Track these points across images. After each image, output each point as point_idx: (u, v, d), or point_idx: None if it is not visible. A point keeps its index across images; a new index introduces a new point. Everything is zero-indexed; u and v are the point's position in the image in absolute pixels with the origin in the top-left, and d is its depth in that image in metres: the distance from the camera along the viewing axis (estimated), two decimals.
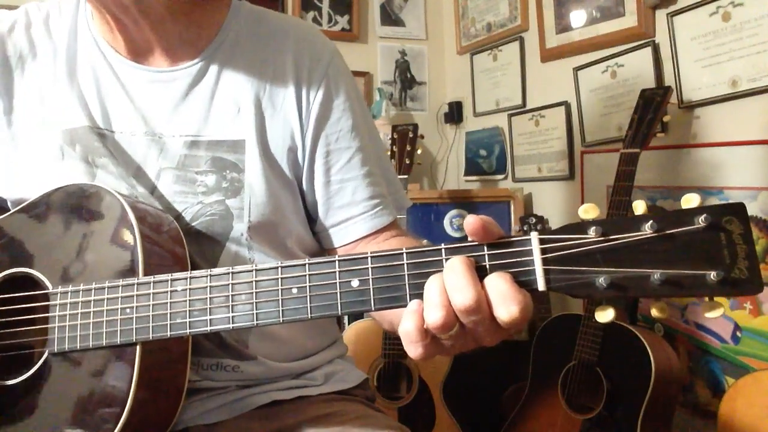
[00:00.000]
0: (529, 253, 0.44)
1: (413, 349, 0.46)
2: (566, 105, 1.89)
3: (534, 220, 1.68)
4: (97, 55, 0.74)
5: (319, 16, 2.30)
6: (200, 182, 0.71)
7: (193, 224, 0.70)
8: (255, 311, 0.51)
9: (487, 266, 0.44)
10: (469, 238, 0.46)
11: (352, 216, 0.75)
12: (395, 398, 1.65)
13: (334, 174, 0.75)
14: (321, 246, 0.80)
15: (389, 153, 1.78)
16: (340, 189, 0.75)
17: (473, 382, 1.74)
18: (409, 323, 0.46)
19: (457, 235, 2.02)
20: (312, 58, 0.75)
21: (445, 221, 2.02)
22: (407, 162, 1.76)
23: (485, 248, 0.45)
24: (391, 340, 1.63)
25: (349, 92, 0.77)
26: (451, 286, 0.44)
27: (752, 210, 1.34)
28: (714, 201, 1.43)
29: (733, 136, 1.39)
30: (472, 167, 2.34)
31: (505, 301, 0.43)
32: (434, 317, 0.44)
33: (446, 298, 0.44)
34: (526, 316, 0.43)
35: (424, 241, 0.74)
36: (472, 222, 0.45)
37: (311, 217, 0.78)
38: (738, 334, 1.39)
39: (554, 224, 1.76)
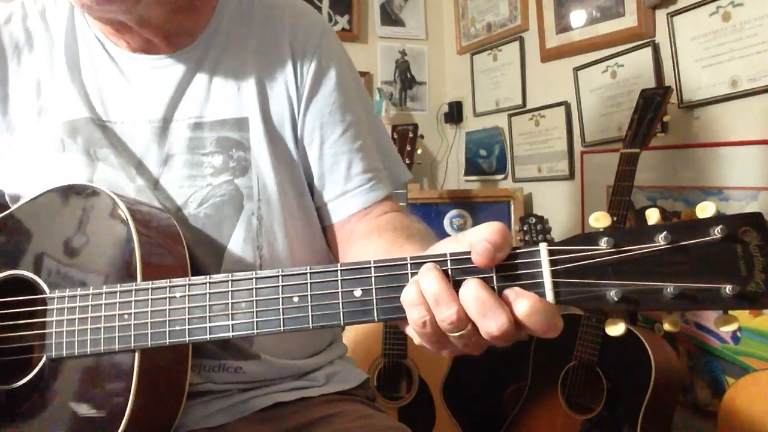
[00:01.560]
0: (538, 264, 0.42)
1: (416, 311, 0.44)
2: (566, 105, 1.88)
3: (534, 220, 1.67)
4: (95, 46, 0.74)
5: None
6: (207, 164, 0.70)
7: (202, 207, 0.70)
8: (255, 320, 0.50)
9: (494, 276, 0.44)
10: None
11: (348, 190, 0.75)
12: (395, 398, 1.64)
13: (328, 148, 0.75)
14: (321, 223, 0.80)
15: None
16: (334, 163, 0.75)
17: (473, 382, 1.74)
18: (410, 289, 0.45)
19: None
20: (306, 32, 0.75)
21: (445, 221, 2.01)
22: (407, 162, 1.76)
23: None
24: (391, 340, 1.62)
25: (341, 66, 0.77)
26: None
27: (752, 210, 1.33)
28: (714, 201, 1.43)
29: (733, 136, 1.38)
30: (472, 167, 2.34)
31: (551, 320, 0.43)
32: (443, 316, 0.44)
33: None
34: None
35: (424, 226, 0.73)
36: (480, 262, 0.43)
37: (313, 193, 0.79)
38: (738, 334, 1.39)
39: (554, 224, 1.75)
